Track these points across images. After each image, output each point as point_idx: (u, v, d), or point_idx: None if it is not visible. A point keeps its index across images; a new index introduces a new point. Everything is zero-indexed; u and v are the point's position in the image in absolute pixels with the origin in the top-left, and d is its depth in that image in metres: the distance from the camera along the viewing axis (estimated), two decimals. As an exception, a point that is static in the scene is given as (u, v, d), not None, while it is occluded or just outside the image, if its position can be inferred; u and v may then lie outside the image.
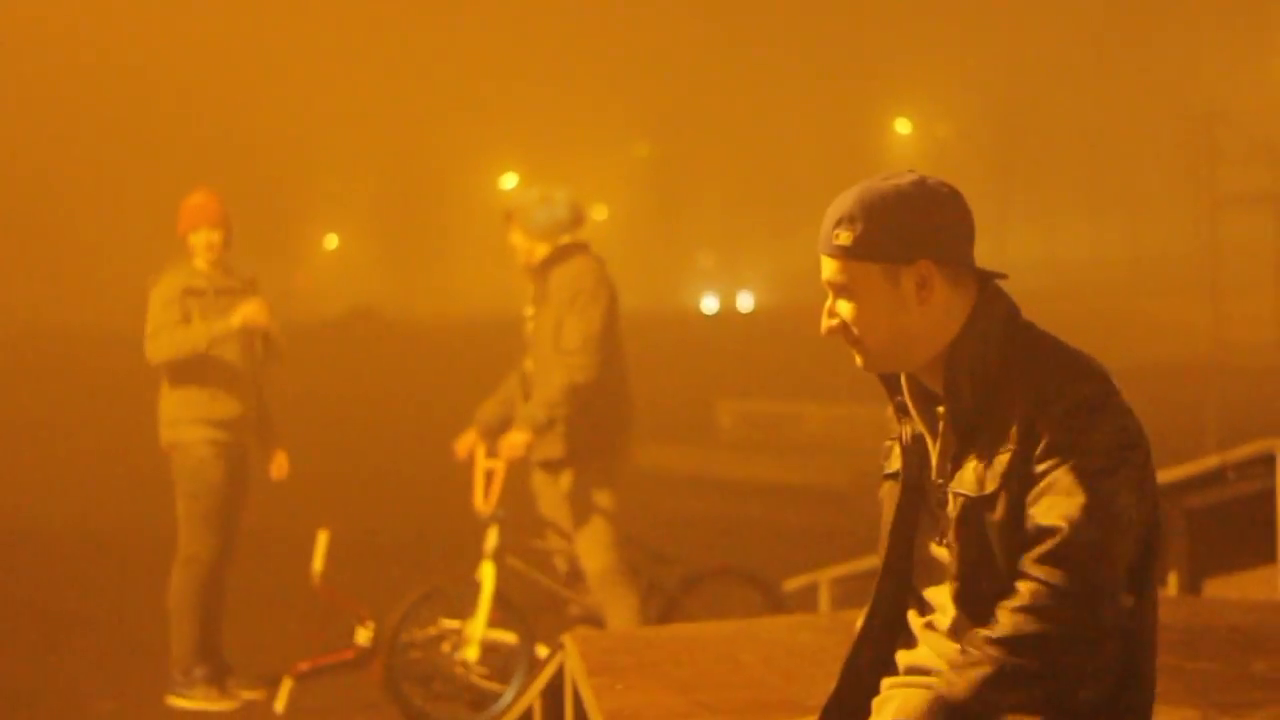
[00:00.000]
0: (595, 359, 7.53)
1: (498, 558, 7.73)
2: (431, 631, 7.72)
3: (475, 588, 7.69)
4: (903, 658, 3.06)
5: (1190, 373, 28.09)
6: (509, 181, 69.53)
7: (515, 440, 7.53)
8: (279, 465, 8.46)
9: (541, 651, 7.52)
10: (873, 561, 3.17)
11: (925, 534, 3.01)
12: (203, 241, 8.31)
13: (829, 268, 2.93)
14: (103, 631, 9.80)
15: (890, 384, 3.05)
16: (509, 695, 7.49)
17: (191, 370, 8.23)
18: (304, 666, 8.05)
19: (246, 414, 8.31)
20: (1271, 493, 6.41)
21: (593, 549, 7.66)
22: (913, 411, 3.01)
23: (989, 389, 2.87)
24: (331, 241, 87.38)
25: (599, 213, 70.95)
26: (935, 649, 2.98)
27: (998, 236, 76.35)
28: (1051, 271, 73.04)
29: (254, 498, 8.54)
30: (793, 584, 9.00)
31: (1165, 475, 6.71)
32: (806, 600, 8.87)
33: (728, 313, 64.47)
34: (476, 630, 7.66)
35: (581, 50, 77.73)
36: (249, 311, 8.11)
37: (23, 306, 51.84)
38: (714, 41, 77.27)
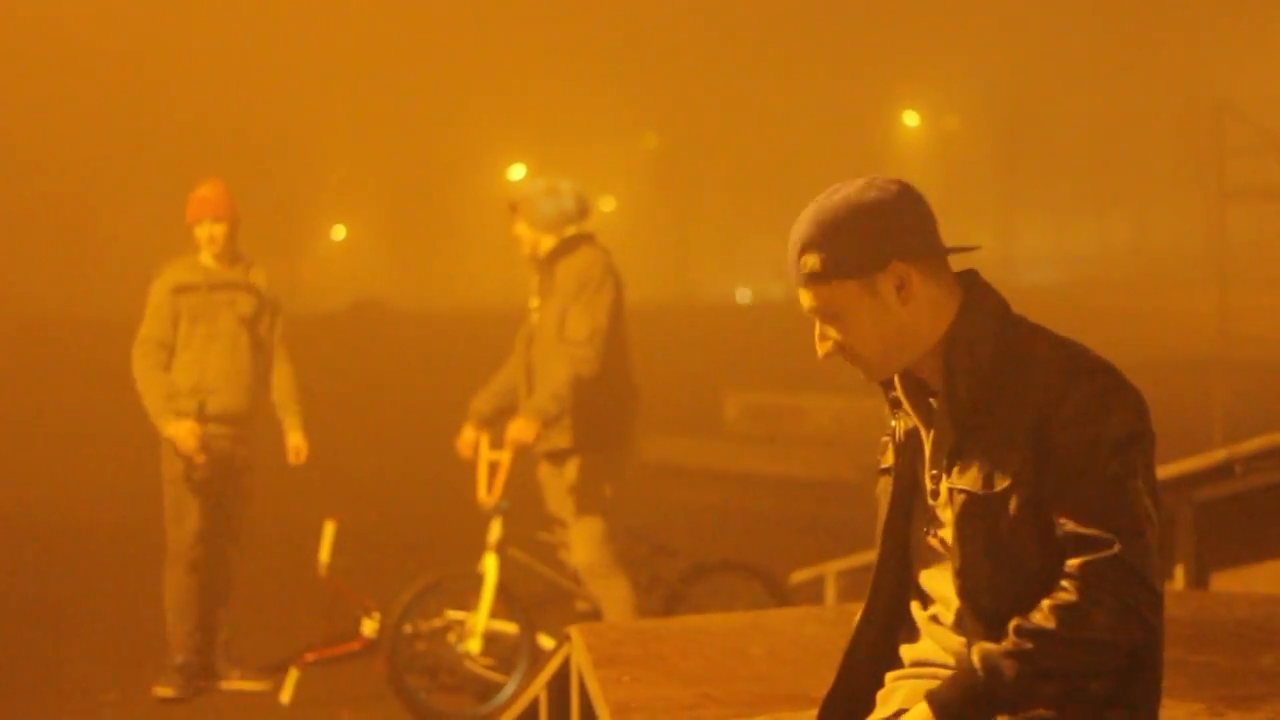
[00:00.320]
0: (600, 351, 7.53)
1: (501, 549, 7.74)
2: (435, 623, 7.73)
3: (478, 579, 7.69)
4: (907, 651, 3.06)
5: (1198, 366, 28.04)
6: (516, 173, 69.53)
7: (522, 425, 7.51)
8: (294, 450, 8.46)
9: (544, 643, 7.53)
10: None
11: (922, 526, 3.01)
12: (205, 234, 8.37)
13: (807, 297, 2.92)
14: (106, 623, 9.81)
15: (885, 380, 3.05)
16: (511, 686, 7.51)
17: (178, 364, 8.28)
18: (310, 657, 8.07)
19: (237, 407, 8.31)
20: (1279, 486, 6.40)
21: (583, 543, 7.66)
22: (907, 405, 3.01)
23: (986, 383, 2.87)
24: (339, 233, 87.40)
25: (606, 204, 70.99)
26: (940, 642, 2.98)
27: (1005, 230, 76.30)
28: (1058, 265, 73.05)
29: (260, 489, 8.56)
30: (799, 576, 8.99)
31: (1173, 469, 6.70)
32: (812, 593, 8.86)
33: (739, 304, 64.43)
34: (479, 622, 7.67)
35: (589, 42, 77.69)
36: (179, 434, 8.11)
37: (30, 297, 51.88)
38: (722, 33, 77.22)
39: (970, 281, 2.97)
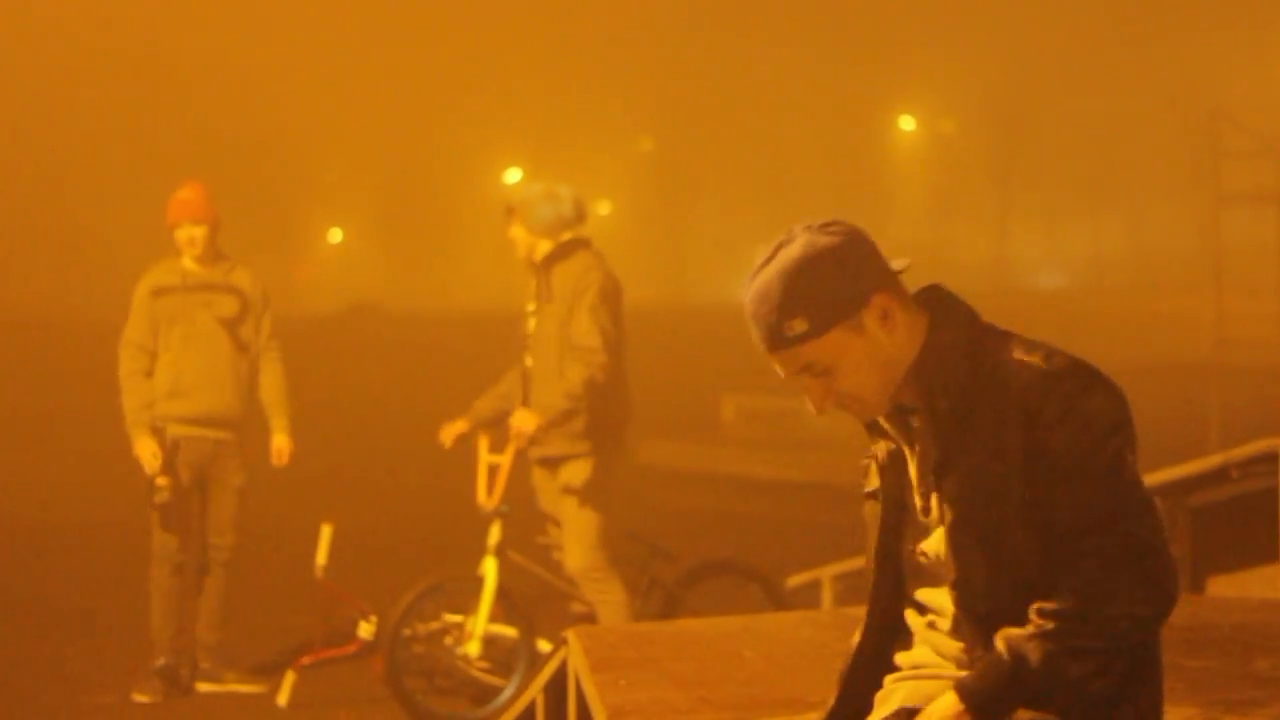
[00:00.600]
0: (611, 354, 7.54)
1: (500, 553, 7.74)
2: (434, 626, 7.74)
3: (478, 583, 7.70)
4: (903, 658, 3.06)
5: (1193, 371, 28.09)
6: (512, 177, 69.50)
7: (527, 418, 7.49)
8: (277, 452, 8.43)
9: (543, 647, 7.53)
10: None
11: (913, 543, 3.01)
12: (185, 237, 8.40)
13: (794, 360, 2.89)
14: (103, 625, 9.81)
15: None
16: (510, 690, 7.51)
17: (158, 366, 8.31)
18: (307, 660, 8.08)
19: (216, 409, 8.32)
20: (1275, 491, 6.41)
21: (576, 547, 7.66)
22: (888, 426, 3.02)
23: (964, 395, 2.88)
24: (335, 235, 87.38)
25: (602, 207, 70.98)
26: (938, 647, 2.99)
27: (1000, 233, 76.33)
28: (1054, 269, 73.05)
29: (257, 492, 8.57)
30: (795, 580, 9.00)
31: (1169, 473, 6.71)
32: (809, 596, 8.88)
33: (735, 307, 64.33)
34: (478, 625, 7.67)
35: (585, 45, 77.69)
36: (142, 454, 8.20)
37: (28, 298, 51.84)
38: (718, 37, 77.22)
39: (934, 296, 2.98)
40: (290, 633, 9.39)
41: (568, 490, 7.64)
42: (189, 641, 8.41)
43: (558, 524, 7.83)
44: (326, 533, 8.06)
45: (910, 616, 3.05)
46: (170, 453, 8.24)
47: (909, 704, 2.99)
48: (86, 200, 59.62)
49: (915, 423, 2.95)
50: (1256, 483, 6.59)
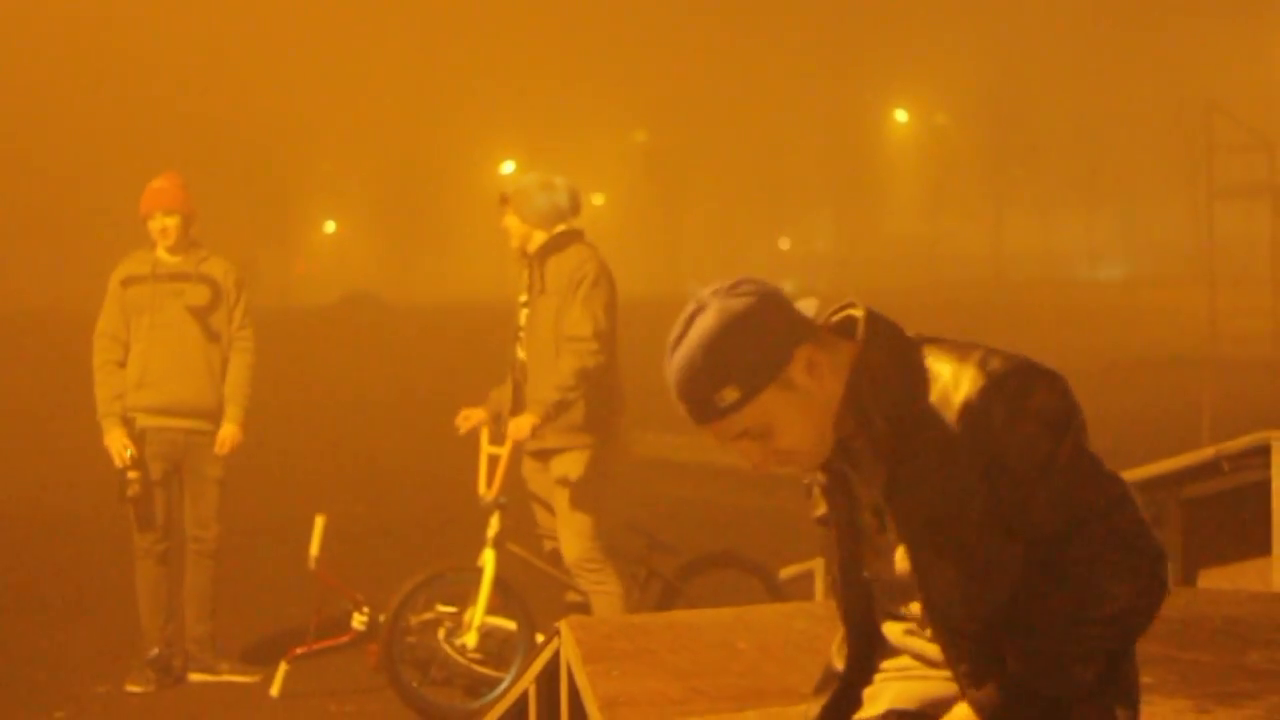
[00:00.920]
0: (604, 345, 7.53)
1: (499, 544, 7.74)
2: (431, 617, 7.73)
3: (476, 574, 7.69)
4: (889, 665, 3.05)
5: (1186, 364, 28.09)
6: (507, 169, 69.46)
7: (523, 423, 7.50)
8: (220, 441, 8.37)
9: (540, 639, 7.53)
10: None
11: (874, 562, 2.98)
12: (158, 227, 8.39)
13: (729, 429, 2.85)
14: (98, 616, 9.81)
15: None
16: (507, 682, 7.50)
17: (130, 356, 8.31)
18: (300, 650, 8.08)
19: (185, 398, 8.30)
20: (1267, 484, 6.42)
21: (572, 538, 7.66)
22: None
23: (902, 411, 2.84)
24: (329, 227, 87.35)
25: (596, 200, 70.97)
26: (919, 651, 2.96)
27: (994, 227, 76.34)
28: (1047, 262, 73.06)
29: (250, 483, 8.56)
30: (788, 572, 9.00)
31: (1162, 466, 6.73)
32: (802, 588, 8.88)
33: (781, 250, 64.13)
34: (476, 617, 7.67)
35: (580, 38, 77.65)
36: (111, 447, 8.22)
37: (24, 290, 51.80)
38: (713, 30, 77.20)
39: (852, 322, 2.92)
40: (283, 623, 9.40)
41: (562, 482, 7.64)
42: (179, 631, 8.42)
43: (549, 510, 7.83)
44: (320, 523, 8.06)
45: (887, 627, 3.03)
46: (138, 444, 8.23)
47: (898, 705, 2.98)
48: (82, 192, 59.58)
49: (856, 444, 2.90)
50: (1249, 475, 6.60)
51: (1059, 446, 2.78)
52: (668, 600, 8.05)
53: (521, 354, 7.77)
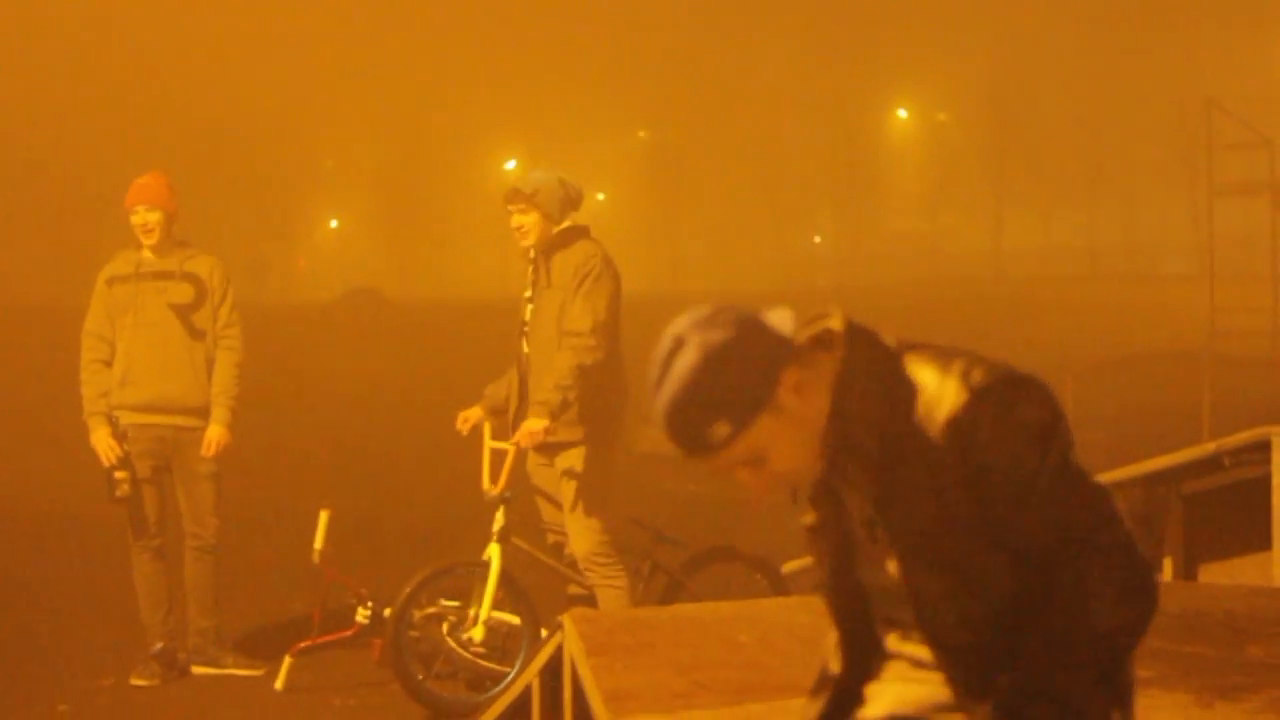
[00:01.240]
0: (603, 341, 7.55)
1: (504, 539, 7.75)
2: (436, 611, 7.75)
3: (482, 568, 7.71)
4: (887, 668, 3.07)
5: (1186, 360, 28.08)
6: (509, 166, 69.44)
7: (534, 427, 7.50)
8: (205, 442, 8.36)
9: (545, 633, 7.54)
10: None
11: (867, 568, 2.99)
12: (140, 221, 8.39)
13: (725, 461, 2.84)
14: (102, 609, 9.82)
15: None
16: (511, 676, 7.52)
17: (115, 355, 8.32)
18: (304, 644, 8.10)
19: (169, 396, 8.31)
20: (1267, 479, 6.45)
21: (582, 532, 7.68)
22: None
23: (887, 427, 2.84)
24: (333, 223, 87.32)
25: (597, 197, 70.94)
26: (914, 656, 2.98)
27: (994, 223, 76.27)
28: (1047, 258, 72.98)
29: (253, 478, 8.57)
30: (791, 566, 9.02)
31: (1162, 461, 6.76)
32: (805, 582, 8.88)
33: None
34: (482, 611, 7.69)
35: (582, 37, 77.59)
36: (97, 447, 8.25)
37: (22, 284, 51.78)
38: (715, 27, 77.13)
39: (831, 335, 2.90)
40: (288, 617, 9.43)
41: (569, 476, 7.65)
42: (181, 624, 8.44)
43: (554, 504, 7.85)
44: (324, 518, 8.08)
45: (882, 632, 3.04)
46: (122, 442, 8.25)
47: (897, 710, 3.00)
48: (83, 187, 59.51)
49: (842, 459, 2.90)
50: (1249, 471, 6.63)
51: (1045, 459, 2.78)
52: (671, 594, 8.08)
53: (526, 349, 7.79)
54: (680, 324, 2.81)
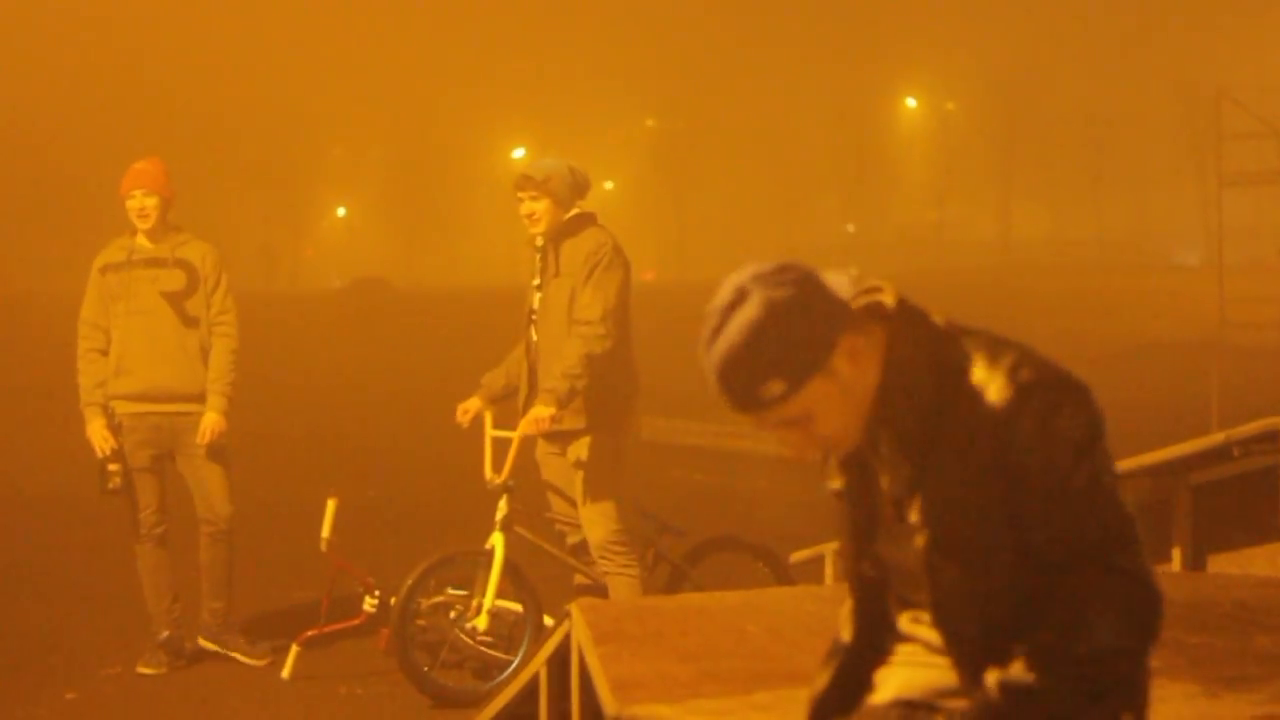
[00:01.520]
0: (612, 330, 7.53)
1: (507, 528, 7.74)
2: (441, 600, 7.75)
3: (486, 557, 7.70)
4: (899, 649, 3.06)
5: (1195, 350, 28.08)
6: (518, 154, 69.46)
7: (540, 415, 7.48)
8: (201, 430, 8.33)
9: (549, 622, 7.54)
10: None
11: (887, 543, 2.98)
12: (136, 206, 8.37)
13: (773, 418, 2.81)
14: (108, 598, 9.83)
15: None
16: (515, 664, 7.52)
17: (111, 343, 8.31)
18: (311, 633, 8.10)
19: (163, 383, 8.29)
20: (1276, 469, 6.44)
21: (596, 520, 7.67)
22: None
23: (930, 411, 2.83)
24: (340, 212, 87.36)
25: (605, 186, 70.91)
26: (927, 638, 2.97)
27: (1003, 213, 76.24)
28: (1056, 248, 72.96)
29: (260, 466, 8.57)
30: (797, 556, 9.02)
31: (1171, 451, 6.73)
32: (811, 572, 8.89)
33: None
34: (487, 600, 7.68)
35: (591, 24, 77.55)
36: (92, 437, 8.24)
37: (18, 271, 51.84)
38: (722, 16, 77.07)
39: (884, 308, 2.89)
40: (295, 605, 9.43)
41: (580, 465, 7.64)
42: (186, 612, 8.43)
43: (564, 497, 7.84)
44: (331, 506, 8.07)
45: (902, 620, 3.04)
46: (116, 433, 8.24)
47: (904, 694, 2.99)
48: (86, 176, 59.54)
49: (881, 434, 2.89)
50: (1258, 461, 6.61)
51: (1078, 469, 2.76)
52: (674, 583, 8.08)
53: (535, 336, 7.78)
54: (743, 276, 2.78)
